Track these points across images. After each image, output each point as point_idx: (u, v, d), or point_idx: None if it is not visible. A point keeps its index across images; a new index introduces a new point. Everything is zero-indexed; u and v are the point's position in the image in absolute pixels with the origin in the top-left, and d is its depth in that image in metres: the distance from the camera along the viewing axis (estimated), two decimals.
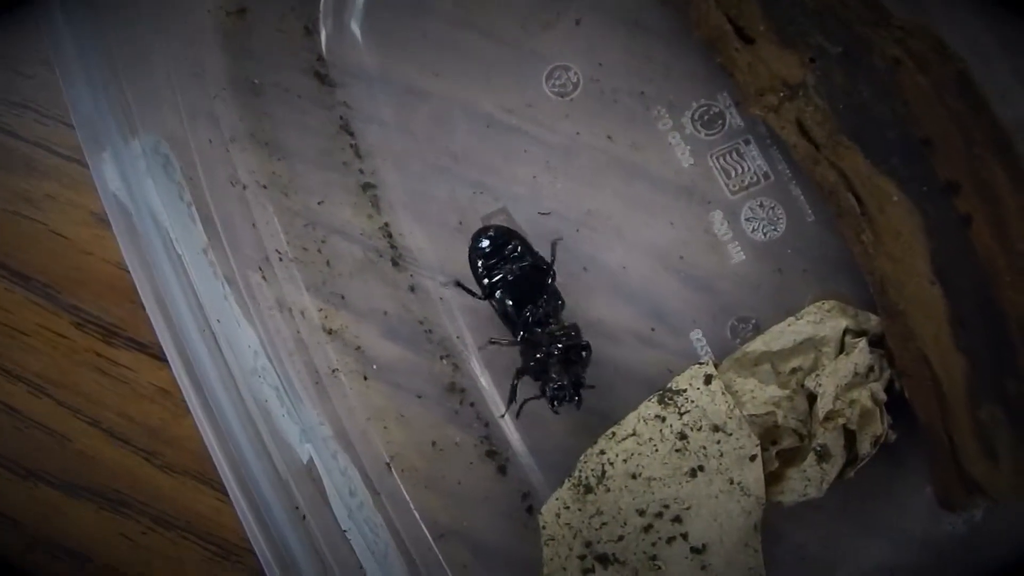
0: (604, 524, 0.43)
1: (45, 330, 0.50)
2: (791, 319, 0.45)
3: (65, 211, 0.51)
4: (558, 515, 0.44)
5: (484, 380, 0.47)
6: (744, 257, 0.48)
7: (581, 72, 0.49)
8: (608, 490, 0.43)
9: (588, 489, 0.44)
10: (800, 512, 0.44)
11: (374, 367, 0.46)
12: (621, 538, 0.43)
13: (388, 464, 0.45)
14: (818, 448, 0.43)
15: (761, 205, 0.48)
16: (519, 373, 0.45)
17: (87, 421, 0.50)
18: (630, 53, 0.49)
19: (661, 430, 0.44)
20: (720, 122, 0.49)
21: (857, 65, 0.44)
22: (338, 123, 0.49)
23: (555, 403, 0.44)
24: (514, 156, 0.49)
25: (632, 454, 0.44)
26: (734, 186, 0.48)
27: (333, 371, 0.45)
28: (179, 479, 0.49)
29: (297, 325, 0.44)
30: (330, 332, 0.46)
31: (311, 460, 0.39)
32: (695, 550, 0.43)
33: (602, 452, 0.44)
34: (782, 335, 0.45)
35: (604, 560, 0.43)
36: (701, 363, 0.45)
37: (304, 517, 0.36)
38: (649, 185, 0.49)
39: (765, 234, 0.48)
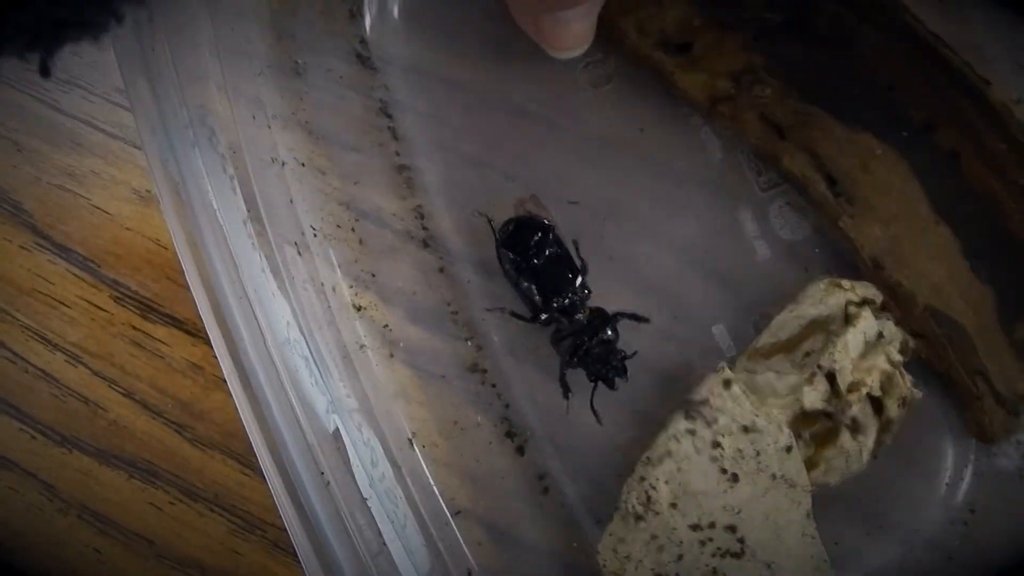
0: (661, 548, 0.44)
1: (84, 302, 0.52)
2: (791, 306, 0.46)
3: (108, 187, 0.52)
4: (615, 550, 0.44)
5: (506, 362, 0.48)
6: (770, 254, 0.48)
7: (616, 64, 0.50)
8: (657, 514, 0.44)
9: (638, 517, 0.44)
10: (815, 508, 0.45)
11: (400, 345, 0.47)
12: (680, 557, 0.43)
13: (410, 440, 0.46)
14: (849, 423, 0.43)
15: (790, 204, 0.49)
16: (563, 366, 0.46)
17: (121, 392, 0.51)
18: None
19: (694, 443, 0.44)
20: None
21: (801, 29, 0.44)
22: (377, 106, 0.50)
23: (613, 383, 0.45)
24: (546, 145, 0.50)
25: (672, 473, 0.44)
26: (764, 184, 0.49)
27: (361, 347, 0.46)
28: (207, 452, 0.50)
29: (328, 300, 0.45)
30: (359, 309, 0.47)
31: (337, 430, 0.40)
32: (754, 553, 0.43)
33: (642, 479, 0.44)
34: (787, 324, 0.46)
35: None
36: (717, 370, 0.45)
37: (328, 483, 0.36)
38: (678, 179, 0.49)
39: (792, 233, 0.49)
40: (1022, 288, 0.43)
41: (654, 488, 0.44)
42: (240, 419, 0.46)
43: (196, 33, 0.42)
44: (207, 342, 0.48)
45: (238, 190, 0.40)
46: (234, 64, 0.44)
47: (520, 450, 0.47)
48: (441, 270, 0.49)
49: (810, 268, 0.48)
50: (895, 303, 0.45)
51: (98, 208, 0.52)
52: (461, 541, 0.45)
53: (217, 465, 0.50)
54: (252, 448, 0.47)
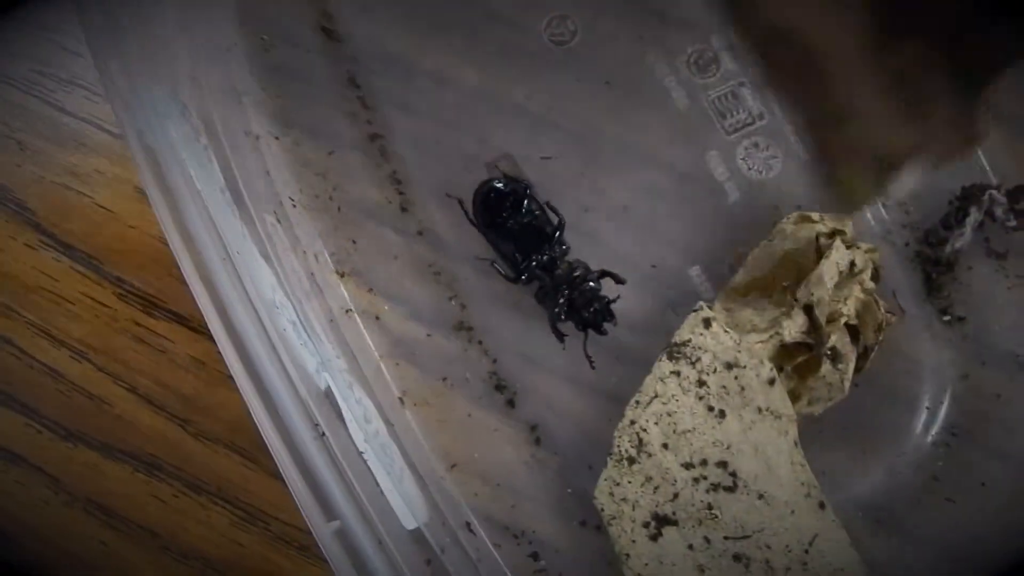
0: (656, 488, 0.44)
1: (88, 299, 0.52)
2: (764, 242, 0.47)
3: (111, 186, 0.53)
4: (611, 494, 0.45)
5: (490, 319, 0.49)
6: (740, 196, 0.49)
7: (579, 20, 0.51)
8: (650, 455, 0.44)
9: (631, 460, 0.45)
10: (801, 440, 0.46)
11: (385, 308, 0.48)
12: (676, 496, 0.44)
13: (400, 399, 0.46)
14: (828, 352, 0.44)
15: (756, 145, 0.50)
16: (553, 321, 0.47)
17: (125, 387, 0.51)
18: (627, 1, 0.51)
19: (680, 384, 0.45)
20: (714, 66, 0.50)
21: None
22: (345, 77, 0.51)
23: (601, 327, 0.46)
24: (516, 105, 0.51)
25: (661, 415, 0.45)
26: (729, 127, 0.50)
27: (346, 311, 0.47)
28: (210, 446, 0.51)
29: (311, 267, 0.46)
30: (342, 275, 0.48)
31: (328, 388, 0.40)
32: (747, 485, 0.44)
33: (632, 422, 0.45)
34: (760, 260, 0.47)
35: (666, 521, 0.44)
36: (696, 310, 0.46)
37: (323, 434, 0.37)
38: (646, 129, 0.50)
39: (760, 173, 0.50)
40: None
41: (645, 430, 0.45)
42: (243, 413, 0.46)
43: (163, 10, 0.42)
44: (209, 338, 0.48)
45: (214, 160, 0.40)
46: (202, 40, 0.45)
47: (511, 403, 0.48)
48: (420, 232, 0.49)
49: (780, 205, 0.49)
50: (733, 8, 0.34)
51: (101, 207, 0.52)
52: (458, 493, 0.45)
53: (220, 459, 0.50)
54: (255, 442, 0.48)
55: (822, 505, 0.44)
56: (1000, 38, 0.31)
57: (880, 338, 0.45)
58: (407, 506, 0.40)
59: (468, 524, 0.45)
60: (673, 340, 0.45)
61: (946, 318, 0.49)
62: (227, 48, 0.47)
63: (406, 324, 0.48)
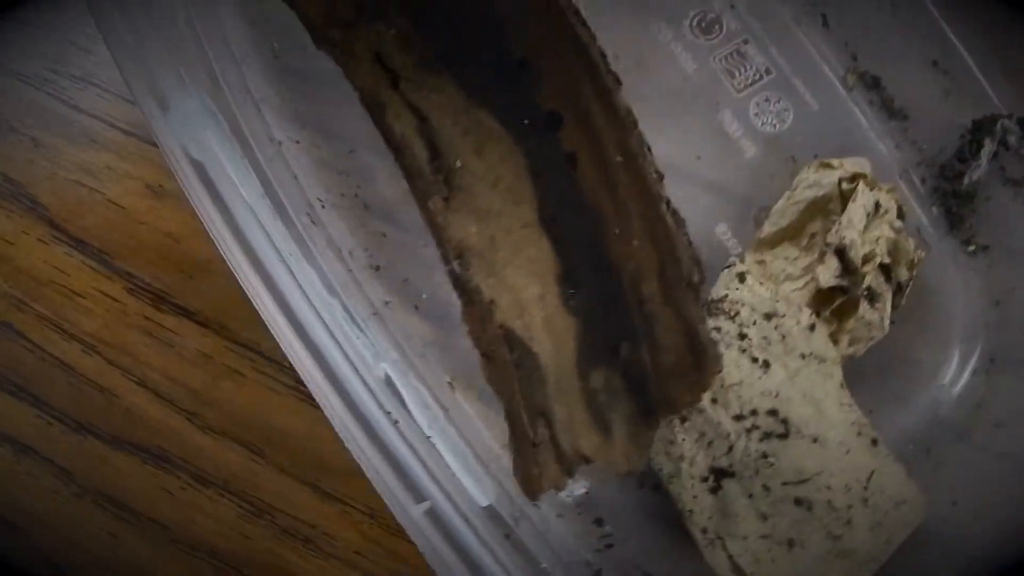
0: (711, 443, 0.45)
1: (99, 293, 0.53)
2: (787, 193, 0.48)
3: (122, 182, 0.53)
4: (667, 453, 0.45)
5: None
6: (757, 151, 0.50)
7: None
8: (700, 411, 0.45)
9: (682, 419, 0.45)
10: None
11: (423, 296, 0.49)
12: (730, 448, 0.45)
13: (450, 384, 0.47)
14: (865, 293, 0.45)
15: (767, 99, 0.51)
16: None
17: (134, 380, 0.52)
18: None
19: (721, 339, 0.45)
20: (717, 26, 0.51)
21: None
22: None
23: None
24: None
25: None
26: (739, 85, 0.51)
27: (386, 303, 0.48)
28: (217, 439, 0.52)
29: (348, 263, 0.47)
30: (377, 268, 0.48)
31: (388, 377, 0.41)
32: (799, 431, 0.45)
33: None
34: (786, 210, 0.48)
35: (723, 474, 0.45)
36: (728, 266, 0.47)
37: (396, 422, 0.38)
38: (659, 95, 0.51)
39: (774, 126, 0.50)
40: (609, 329, 0.39)
41: None
42: (249, 407, 0.48)
43: (179, 25, 0.43)
44: (217, 332, 0.50)
45: (250, 168, 0.41)
46: (219, 53, 0.45)
47: None
48: None
49: (797, 156, 0.50)
50: (469, 314, 0.40)
51: (113, 203, 0.53)
52: None
53: (227, 452, 0.51)
54: (261, 435, 0.49)
55: (875, 442, 0.45)
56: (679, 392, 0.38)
57: (914, 274, 0.46)
58: (477, 486, 0.41)
59: None
60: (709, 297, 0.46)
61: (971, 248, 0.50)
62: (241, 58, 0.48)
63: (444, 312, 0.49)
